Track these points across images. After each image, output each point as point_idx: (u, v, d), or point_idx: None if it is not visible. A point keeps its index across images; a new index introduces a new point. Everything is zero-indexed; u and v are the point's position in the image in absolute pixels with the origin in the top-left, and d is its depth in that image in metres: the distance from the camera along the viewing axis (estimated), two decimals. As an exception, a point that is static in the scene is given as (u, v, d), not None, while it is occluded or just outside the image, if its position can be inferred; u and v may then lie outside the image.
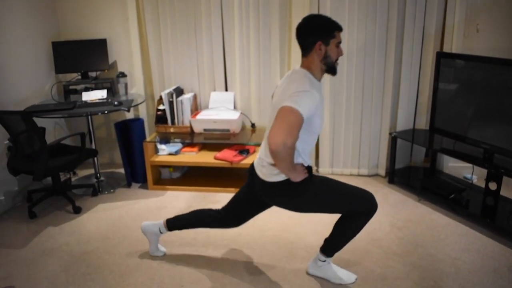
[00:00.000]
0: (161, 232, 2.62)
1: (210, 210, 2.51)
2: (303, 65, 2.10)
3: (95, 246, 2.84)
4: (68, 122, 4.11)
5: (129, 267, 2.61)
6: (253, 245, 2.80)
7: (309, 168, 2.15)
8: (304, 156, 2.15)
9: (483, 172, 3.53)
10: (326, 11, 3.43)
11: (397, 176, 3.60)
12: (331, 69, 2.11)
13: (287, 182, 2.11)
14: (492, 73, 2.85)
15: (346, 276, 2.42)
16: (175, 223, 2.57)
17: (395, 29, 3.40)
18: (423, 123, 3.67)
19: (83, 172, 4.08)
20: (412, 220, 3.05)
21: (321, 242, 2.50)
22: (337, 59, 2.10)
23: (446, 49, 3.44)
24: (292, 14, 3.48)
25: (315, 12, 3.47)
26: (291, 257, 2.65)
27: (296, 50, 3.54)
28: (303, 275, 2.47)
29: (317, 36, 2.02)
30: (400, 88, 3.57)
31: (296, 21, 3.45)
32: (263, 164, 2.17)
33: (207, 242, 2.83)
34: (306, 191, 2.14)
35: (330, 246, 2.37)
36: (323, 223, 3.03)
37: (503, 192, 3.30)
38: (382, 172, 3.74)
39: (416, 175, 3.60)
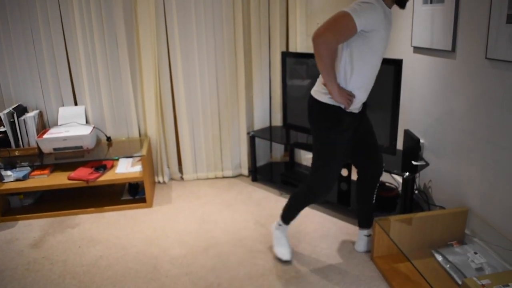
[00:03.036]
0: (279, 225, 2.64)
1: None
2: None
3: None
4: None
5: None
6: (115, 265, 2.65)
7: (354, 114, 2.22)
8: (358, 92, 2.15)
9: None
10: (173, 17, 3.39)
11: (259, 173, 3.70)
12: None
13: (325, 107, 2.16)
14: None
15: (281, 252, 2.60)
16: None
17: (241, 32, 3.48)
18: (279, 120, 3.83)
19: None
20: (275, 215, 3.16)
21: (187, 251, 2.51)
22: None
23: (292, 48, 3.63)
24: (138, 19, 3.37)
25: (161, 19, 3.41)
26: (155, 272, 2.56)
27: (145, 56, 3.44)
28: (168, 289, 2.41)
29: None
30: (253, 88, 3.67)
31: (142, 25, 3.35)
32: (317, 83, 2.21)
33: (64, 272, 2.61)
34: (328, 134, 2.21)
35: (282, 211, 2.59)
36: (188, 231, 2.99)
37: (355, 177, 3.59)
38: (245, 171, 3.83)
39: (277, 171, 3.74)
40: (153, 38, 3.42)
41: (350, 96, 2.12)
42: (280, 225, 2.62)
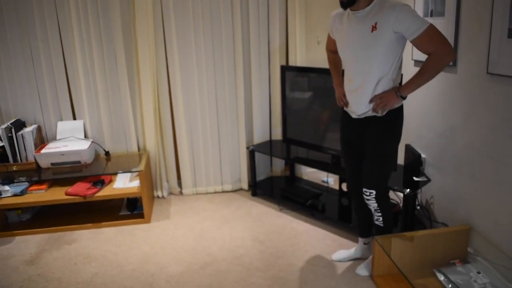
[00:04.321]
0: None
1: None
2: None
3: None
4: None
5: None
6: (110, 284, 2.60)
7: (349, 117, 2.43)
8: (346, 95, 2.38)
9: (338, 174, 3.75)
10: (171, 32, 3.38)
11: (259, 188, 3.66)
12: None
13: None
14: (330, 83, 3.02)
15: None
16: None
17: (241, 46, 3.46)
18: (279, 134, 3.79)
19: None
20: (274, 231, 3.10)
21: (184, 269, 2.44)
22: None
23: (292, 62, 3.60)
24: (136, 34, 3.36)
25: (160, 34, 3.40)
26: (151, 290, 2.52)
27: (144, 71, 3.43)
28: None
29: None
30: (253, 103, 3.64)
31: (141, 40, 3.34)
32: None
33: (58, 289, 2.58)
34: None
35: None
36: (185, 248, 2.94)
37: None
38: (245, 186, 3.78)
39: (277, 185, 3.69)
40: (152, 52, 3.40)
41: (342, 97, 2.41)
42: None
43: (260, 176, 3.84)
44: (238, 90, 3.58)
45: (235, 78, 3.56)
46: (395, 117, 2.25)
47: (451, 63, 2.49)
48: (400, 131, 2.32)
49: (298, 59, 3.58)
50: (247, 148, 3.65)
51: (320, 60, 3.71)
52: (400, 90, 2.15)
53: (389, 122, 2.24)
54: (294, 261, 2.73)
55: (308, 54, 3.68)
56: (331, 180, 3.82)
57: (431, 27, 2.00)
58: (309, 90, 3.19)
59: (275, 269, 2.65)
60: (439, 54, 2.01)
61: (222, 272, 2.65)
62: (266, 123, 3.76)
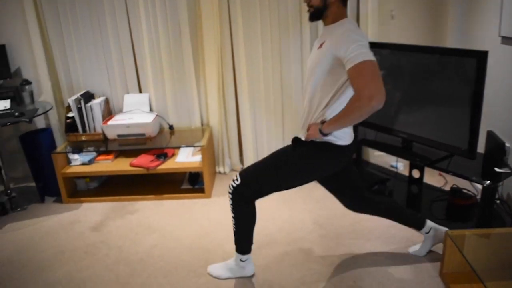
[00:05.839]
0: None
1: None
2: None
3: (-5, 273, 2.59)
4: (-27, 136, 3.78)
5: (28, 294, 2.38)
6: (168, 257, 2.62)
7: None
8: None
9: (408, 159, 3.51)
10: (236, 5, 3.28)
11: (323, 170, 3.51)
12: None
13: None
14: (406, 61, 2.78)
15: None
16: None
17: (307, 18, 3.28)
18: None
19: (-6, 189, 3.76)
20: (336, 215, 2.97)
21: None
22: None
23: (363, 37, 3.37)
24: (201, 8, 3.29)
25: (224, 8, 3.30)
26: (207, 267, 2.49)
27: (208, 45, 3.37)
28: (215, 287, 2.33)
29: None
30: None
31: (206, 14, 3.28)
32: None
33: (119, 258, 2.63)
34: None
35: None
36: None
37: (428, 179, 3.29)
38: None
39: (342, 168, 3.53)
40: (216, 26, 3.32)
41: None
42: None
43: (324, 157, 3.69)
44: (304, 65, 3.43)
45: (301, 52, 3.41)
46: (315, 148, 2.03)
47: None
48: (313, 169, 2.07)
49: (369, 34, 3.34)
50: (311, 127, 3.51)
51: (394, 36, 3.44)
52: (323, 125, 1.92)
53: (310, 147, 2.04)
54: (355, 249, 2.58)
55: (381, 29, 3.42)
56: (401, 165, 3.58)
57: (368, 63, 1.74)
58: (380, 68, 2.97)
59: (335, 256, 2.52)
60: (361, 94, 1.73)
61: (279, 254, 2.57)
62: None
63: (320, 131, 1.94)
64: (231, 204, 2.18)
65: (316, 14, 1.98)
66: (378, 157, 3.71)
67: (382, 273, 2.34)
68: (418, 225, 2.42)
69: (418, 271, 2.34)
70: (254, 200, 2.17)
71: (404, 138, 2.90)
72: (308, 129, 2.04)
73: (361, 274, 2.35)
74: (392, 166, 3.59)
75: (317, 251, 2.58)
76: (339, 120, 1.85)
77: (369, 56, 1.75)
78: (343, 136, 2.02)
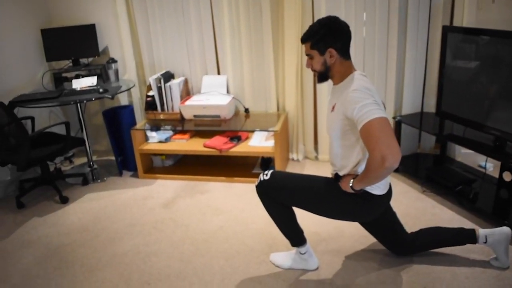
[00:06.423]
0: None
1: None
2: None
3: (73, 239, 2.75)
4: (64, 110, 4.04)
5: (100, 262, 2.49)
6: (232, 240, 2.61)
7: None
8: None
9: (500, 160, 3.18)
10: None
11: (402, 164, 3.23)
12: None
13: None
14: (506, 50, 2.48)
15: None
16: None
17: (397, 3, 3.06)
18: (432, 105, 3.33)
19: (80, 160, 4.01)
20: (412, 214, 2.76)
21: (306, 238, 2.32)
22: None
23: (457, 22, 3.07)
24: (285, -10, 3.21)
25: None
26: (269, 254, 2.44)
27: (289, 30, 3.27)
28: (275, 275, 2.27)
29: None
30: (405, 68, 3.24)
31: (288, 1, 3.19)
32: None
33: (185, 236, 2.67)
34: None
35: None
36: (311, 216, 2.77)
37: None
38: (386, 160, 3.45)
39: (423, 163, 3.28)
40: (298, 9, 3.21)
41: None
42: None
43: (405, 151, 3.45)
44: (389, 51, 3.21)
45: (388, 38, 3.19)
46: (356, 198, 1.99)
47: None
48: (341, 207, 2.04)
49: (465, 20, 3.03)
50: (394, 118, 3.30)
51: (495, 21, 3.09)
52: (354, 181, 1.91)
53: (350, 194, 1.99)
54: (430, 252, 2.37)
55: (479, 14, 3.09)
56: (490, 166, 3.24)
57: (374, 122, 1.70)
58: (476, 58, 2.68)
59: (406, 259, 2.34)
60: (373, 157, 1.71)
61: (347, 249, 2.45)
62: (418, 91, 3.33)
63: (351, 187, 1.93)
64: (260, 200, 2.18)
65: (321, 77, 2.00)
66: (465, 155, 3.40)
67: (458, 283, 2.13)
68: (471, 239, 2.20)
69: (499, 281, 2.09)
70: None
71: (497, 136, 2.60)
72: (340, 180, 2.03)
73: (433, 281, 2.15)
74: (480, 166, 3.26)
75: (387, 251, 2.41)
76: (363, 180, 1.86)
77: (376, 113, 1.72)
78: (378, 186, 1.98)
